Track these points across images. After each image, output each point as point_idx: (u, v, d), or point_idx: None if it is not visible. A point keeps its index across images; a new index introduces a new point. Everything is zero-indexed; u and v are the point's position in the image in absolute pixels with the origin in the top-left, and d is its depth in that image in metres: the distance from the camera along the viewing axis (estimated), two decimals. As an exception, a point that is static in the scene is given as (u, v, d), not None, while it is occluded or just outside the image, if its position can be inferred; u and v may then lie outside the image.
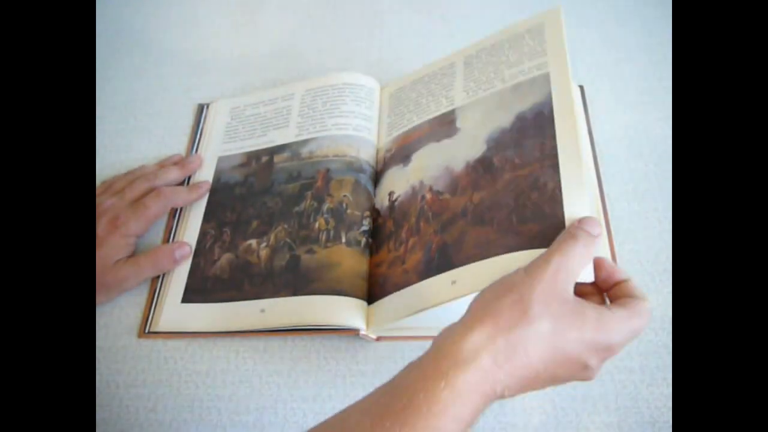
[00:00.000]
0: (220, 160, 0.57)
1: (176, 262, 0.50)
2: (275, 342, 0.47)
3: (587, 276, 0.36)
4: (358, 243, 0.48)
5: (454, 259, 0.42)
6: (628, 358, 0.45)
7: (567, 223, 0.38)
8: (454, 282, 0.41)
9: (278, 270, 0.48)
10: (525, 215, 0.40)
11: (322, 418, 0.32)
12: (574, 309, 0.32)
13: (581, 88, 0.60)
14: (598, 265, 0.36)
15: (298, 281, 0.47)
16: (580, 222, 0.36)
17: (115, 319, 0.49)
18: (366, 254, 0.48)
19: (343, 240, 0.48)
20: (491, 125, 0.47)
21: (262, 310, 0.47)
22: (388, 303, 0.45)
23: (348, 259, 0.47)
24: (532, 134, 0.43)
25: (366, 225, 0.50)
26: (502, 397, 0.31)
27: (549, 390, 0.44)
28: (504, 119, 0.46)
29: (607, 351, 0.33)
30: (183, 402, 0.45)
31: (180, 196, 0.53)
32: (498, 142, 0.45)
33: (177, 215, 0.54)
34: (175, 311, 0.48)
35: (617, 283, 0.36)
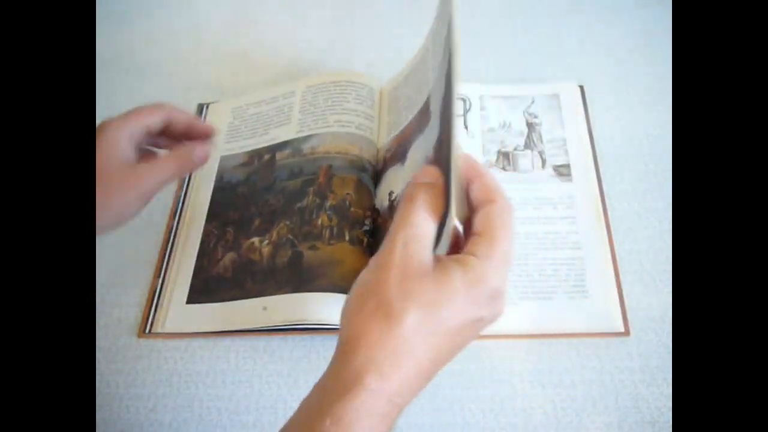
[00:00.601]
0: (223, 159, 0.57)
1: (196, 163, 0.46)
2: (275, 342, 0.47)
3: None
4: (361, 242, 0.48)
5: None
6: (628, 358, 0.45)
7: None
8: None
9: (280, 266, 0.48)
10: None
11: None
12: (437, 282, 0.30)
13: (581, 88, 0.60)
14: (470, 179, 0.33)
15: (301, 278, 0.47)
16: (415, 177, 0.34)
17: (115, 319, 0.49)
18: (367, 254, 0.48)
19: (347, 238, 0.48)
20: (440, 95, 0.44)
21: (265, 308, 0.46)
22: None
23: (351, 257, 0.47)
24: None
25: (368, 225, 0.50)
26: (409, 401, 0.30)
27: (549, 390, 0.44)
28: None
29: (493, 297, 0.31)
30: (183, 402, 0.45)
31: (181, 115, 0.47)
32: (443, 111, 0.43)
33: (178, 215, 0.54)
34: (180, 312, 0.48)
35: (489, 202, 0.32)
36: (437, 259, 0.31)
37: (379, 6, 0.70)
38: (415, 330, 0.29)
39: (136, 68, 0.66)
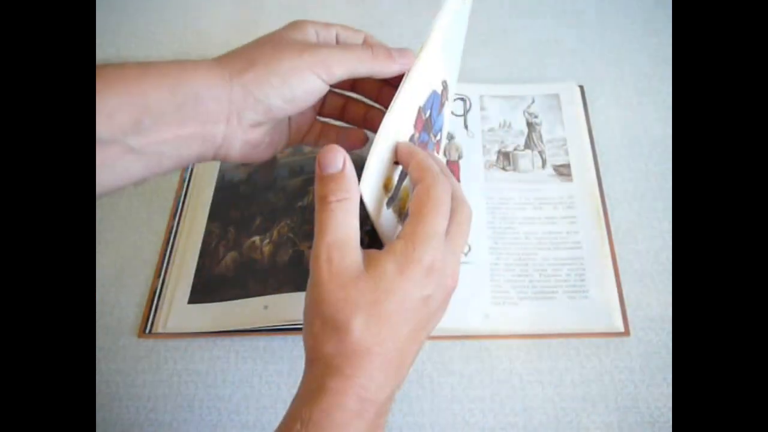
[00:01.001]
0: (223, 158, 0.57)
1: (395, 63, 0.38)
2: (276, 342, 0.47)
3: None
4: (362, 242, 0.48)
5: None
6: (628, 358, 0.45)
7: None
8: None
9: (281, 265, 0.48)
10: None
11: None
12: (372, 279, 0.30)
13: (581, 88, 0.60)
14: (406, 164, 0.33)
15: (302, 277, 0.47)
16: (319, 167, 0.33)
17: (115, 319, 0.49)
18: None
19: None
20: None
21: (266, 307, 0.46)
22: None
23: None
24: None
25: (369, 225, 0.50)
26: (385, 395, 0.30)
27: (549, 390, 0.44)
28: None
29: (429, 273, 0.30)
30: (183, 402, 0.45)
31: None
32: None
33: (178, 215, 0.54)
34: (181, 312, 0.48)
35: (418, 182, 0.32)
36: (368, 255, 0.31)
37: (382, 6, 0.70)
38: (366, 332, 0.29)
39: (136, 68, 0.66)
